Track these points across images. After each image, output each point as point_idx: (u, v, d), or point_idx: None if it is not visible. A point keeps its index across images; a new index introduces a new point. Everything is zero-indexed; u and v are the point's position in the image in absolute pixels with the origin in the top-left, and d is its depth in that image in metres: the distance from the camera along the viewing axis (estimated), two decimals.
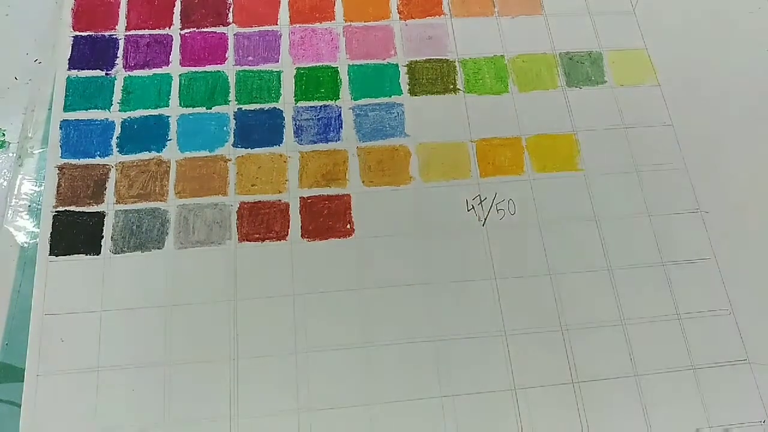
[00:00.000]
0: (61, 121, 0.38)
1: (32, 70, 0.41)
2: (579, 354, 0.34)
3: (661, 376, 0.34)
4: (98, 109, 0.39)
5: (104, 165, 0.37)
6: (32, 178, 0.38)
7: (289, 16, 0.42)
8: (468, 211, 0.38)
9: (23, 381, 0.32)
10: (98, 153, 0.38)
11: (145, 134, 0.38)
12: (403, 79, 0.41)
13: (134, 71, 0.40)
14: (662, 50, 0.43)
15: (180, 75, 0.40)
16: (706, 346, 0.35)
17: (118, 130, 0.38)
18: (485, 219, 0.37)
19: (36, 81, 0.40)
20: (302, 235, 0.36)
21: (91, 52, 0.40)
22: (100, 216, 0.36)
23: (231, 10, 0.42)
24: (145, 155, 0.38)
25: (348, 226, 0.37)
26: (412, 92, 0.41)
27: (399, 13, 0.43)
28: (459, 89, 0.41)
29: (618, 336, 0.35)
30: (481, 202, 0.38)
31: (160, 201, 0.36)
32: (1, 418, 0.32)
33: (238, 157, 0.38)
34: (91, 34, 0.41)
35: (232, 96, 0.40)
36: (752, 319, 0.36)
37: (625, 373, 0.34)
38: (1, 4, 0.43)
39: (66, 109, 0.39)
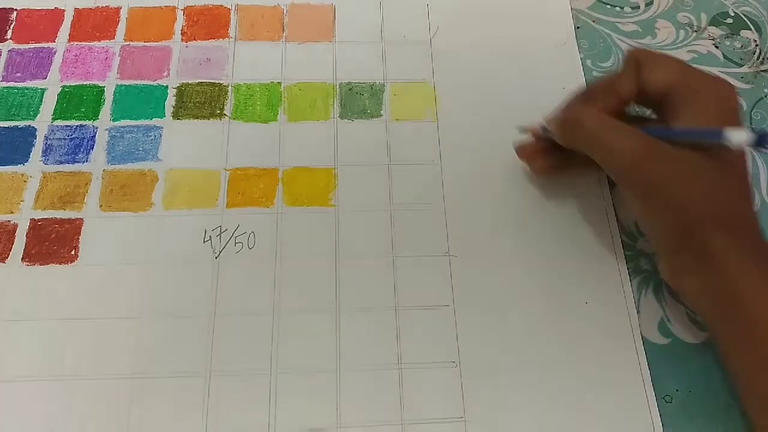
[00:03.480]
0: None
1: None
2: (282, 402, 0.32)
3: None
4: None
5: None
6: None
7: (69, 34, 0.42)
8: (204, 242, 0.36)
9: None
10: None
11: None
12: (170, 102, 0.40)
13: None
14: (451, 85, 0.41)
15: None
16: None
17: None
18: (220, 252, 0.36)
19: None
20: (23, 259, 0.35)
21: None
22: None
23: (12, 27, 0.42)
24: None
25: (73, 252, 0.35)
26: (176, 116, 0.39)
27: (182, 34, 0.42)
28: (225, 115, 0.40)
29: (332, 386, 0.33)
30: (220, 234, 0.36)
31: None
32: None
33: None
34: None
35: None
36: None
37: None
38: None
39: None
